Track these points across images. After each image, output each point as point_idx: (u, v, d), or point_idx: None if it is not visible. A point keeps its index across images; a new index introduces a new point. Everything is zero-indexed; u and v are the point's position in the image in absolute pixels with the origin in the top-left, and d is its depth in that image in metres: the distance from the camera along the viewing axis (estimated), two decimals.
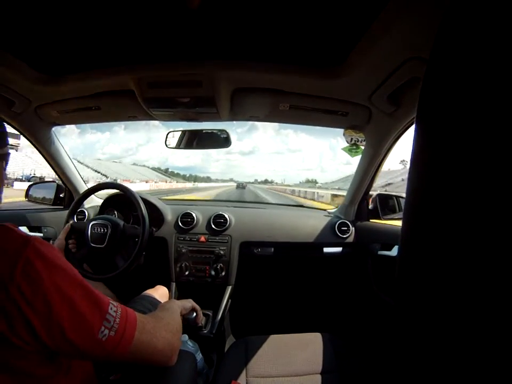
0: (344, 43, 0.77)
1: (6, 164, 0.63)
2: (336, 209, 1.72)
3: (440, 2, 0.49)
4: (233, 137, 1.39)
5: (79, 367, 0.58)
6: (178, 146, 1.42)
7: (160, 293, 1.14)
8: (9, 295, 0.42)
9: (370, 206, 1.52)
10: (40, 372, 0.48)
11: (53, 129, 1.41)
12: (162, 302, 1.11)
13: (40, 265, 0.44)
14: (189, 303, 0.93)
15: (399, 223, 1.33)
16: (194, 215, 1.50)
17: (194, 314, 0.96)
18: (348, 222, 1.51)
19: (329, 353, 0.97)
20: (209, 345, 1.26)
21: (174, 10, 0.69)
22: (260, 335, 1.04)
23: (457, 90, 0.24)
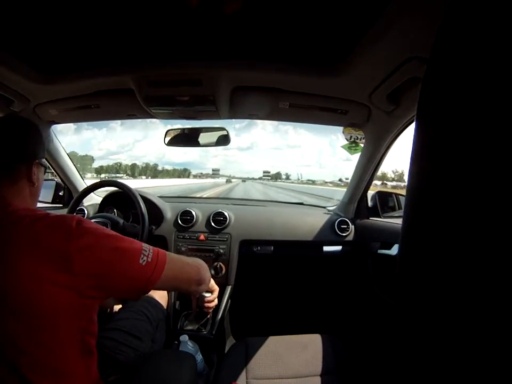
0: (345, 42, 0.76)
1: (45, 170, 0.76)
2: (335, 207, 1.72)
3: (441, 2, 0.49)
4: (231, 133, 1.39)
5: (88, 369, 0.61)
6: (177, 144, 1.41)
7: (159, 294, 1.14)
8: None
9: (369, 204, 1.51)
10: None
11: (51, 127, 1.40)
12: (161, 303, 1.11)
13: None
14: (213, 281, 0.95)
15: (398, 221, 1.33)
16: (194, 213, 1.49)
17: (209, 294, 0.96)
18: (347, 220, 1.51)
19: (329, 354, 0.97)
20: (209, 346, 1.26)
21: (174, 9, 0.69)
22: (260, 335, 1.04)
23: (457, 90, 0.24)
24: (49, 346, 0.53)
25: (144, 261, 0.61)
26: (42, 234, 0.53)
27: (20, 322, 0.51)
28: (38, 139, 0.69)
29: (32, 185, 0.67)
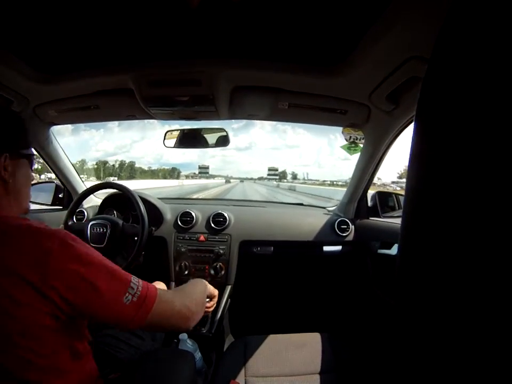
0: (346, 42, 0.76)
1: (32, 164, 0.66)
2: (335, 207, 1.72)
3: (442, 2, 0.49)
4: (229, 134, 1.38)
5: (84, 365, 0.60)
6: (176, 145, 1.41)
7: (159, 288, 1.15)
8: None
9: (369, 204, 1.51)
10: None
11: (51, 129, 1.40)
12: None
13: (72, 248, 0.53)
14: (213, 288, 0.95)
15: (398, 220, 1.33)
16: (193, 214, 1.49)
17: (208, 299, 0.96)
18: (347, 220, 1.51)
19: (328, 353, 0.97)
20: (208, 345, 1.27)
21: (174, 9, 0.69)
22: (259, 334, 1.04)
23: (458, 90, 0.24)
24: (38, 352, 0.51)
25: (128, 300, 0.55)
26: (20, 250, 0.49)
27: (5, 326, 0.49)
28: (11, 127, 0.59)
29: (4, 183, 0.56)
